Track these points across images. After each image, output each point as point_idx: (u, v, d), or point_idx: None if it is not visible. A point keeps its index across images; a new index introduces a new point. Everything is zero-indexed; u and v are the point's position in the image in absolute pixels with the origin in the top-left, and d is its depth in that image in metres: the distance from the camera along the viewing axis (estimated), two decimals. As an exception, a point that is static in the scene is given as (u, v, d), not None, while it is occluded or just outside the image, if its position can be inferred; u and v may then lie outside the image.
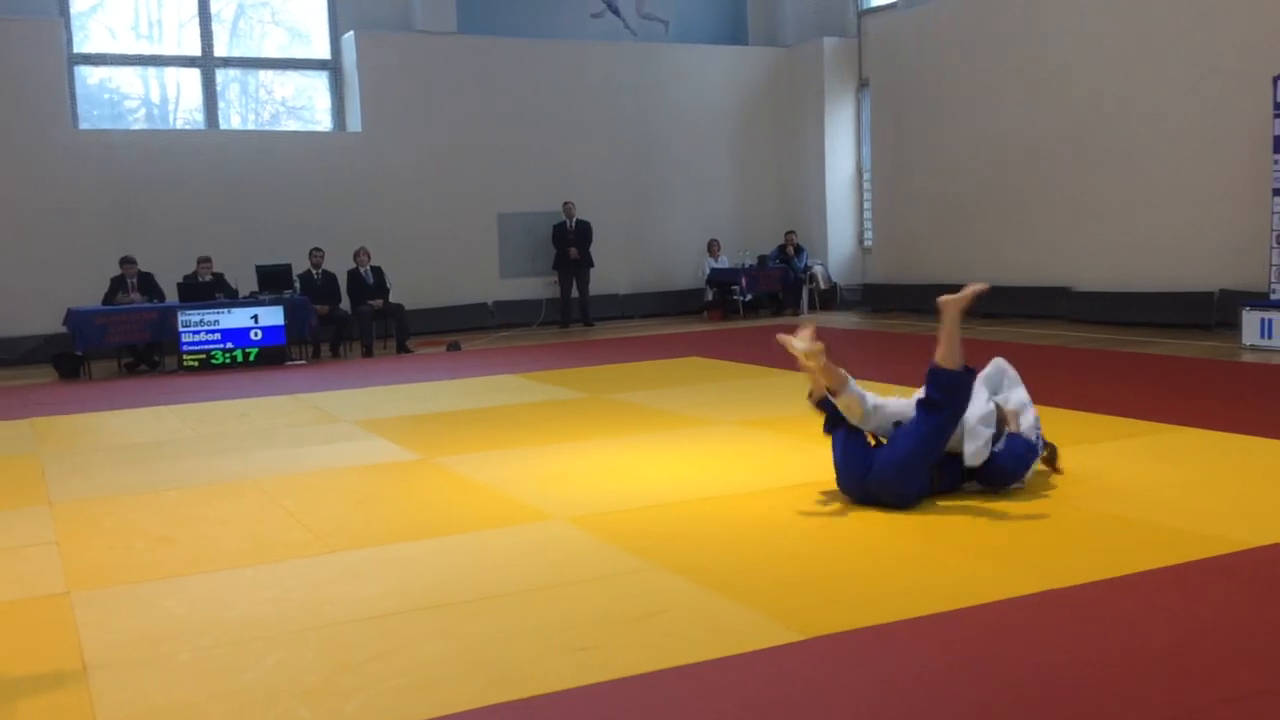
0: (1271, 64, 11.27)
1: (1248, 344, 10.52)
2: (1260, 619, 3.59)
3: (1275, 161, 11.11)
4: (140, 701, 3.29)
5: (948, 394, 5.02)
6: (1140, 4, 12.88)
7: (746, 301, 16.88)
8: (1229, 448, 6.19)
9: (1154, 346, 10.97)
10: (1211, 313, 12.08)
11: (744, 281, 16.68)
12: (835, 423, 5.32)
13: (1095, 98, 13.45)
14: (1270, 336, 10.37)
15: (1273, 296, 10.96)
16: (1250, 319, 10.60)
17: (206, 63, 15.46)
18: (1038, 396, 7.75)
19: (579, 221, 16.22)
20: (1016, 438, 5.26)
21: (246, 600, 4.18)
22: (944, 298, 5.12)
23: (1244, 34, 11.79)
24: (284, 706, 3.20)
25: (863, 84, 17.63)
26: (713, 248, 17.33)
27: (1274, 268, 11.13)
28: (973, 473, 5.19)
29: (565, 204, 16.24)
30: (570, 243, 16.15)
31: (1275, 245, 11.11)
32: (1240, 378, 9.11)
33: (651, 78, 17.28)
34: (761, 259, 17.35)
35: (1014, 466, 5.19)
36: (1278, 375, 9.15)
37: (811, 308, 17.10)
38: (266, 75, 16.33)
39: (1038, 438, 5.36)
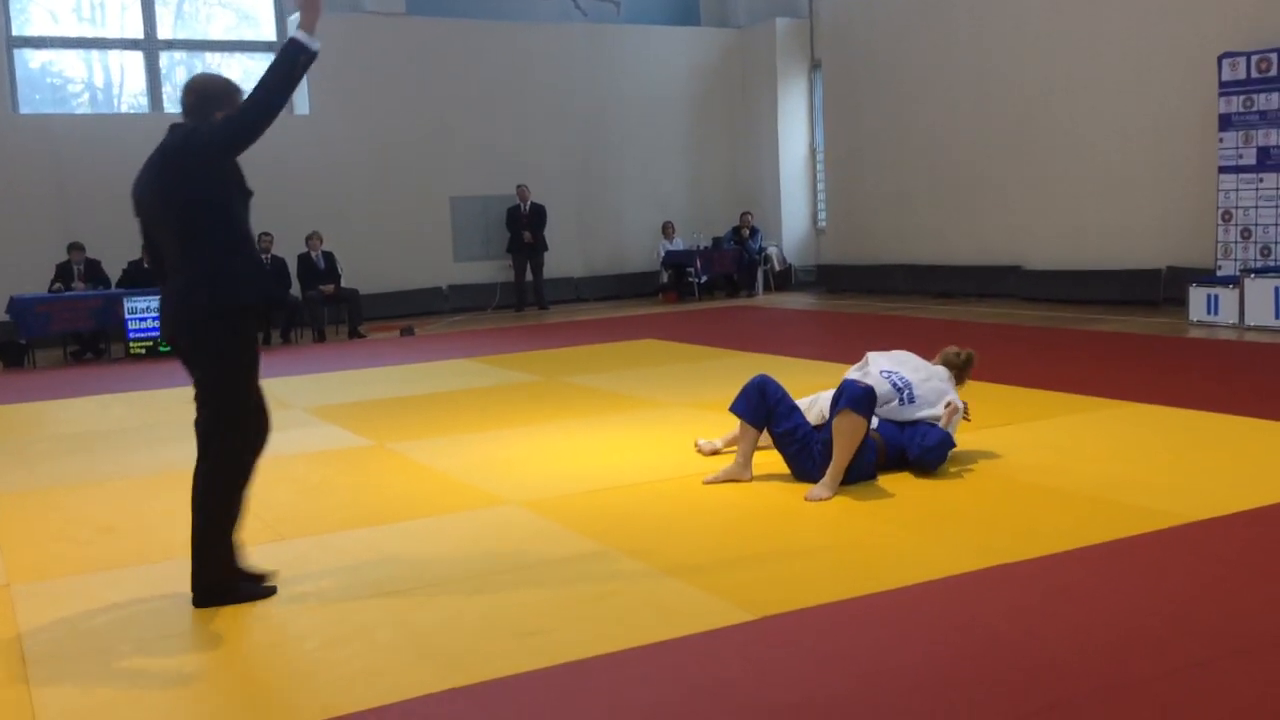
0: (1216, 43, 11.40)
1: (1195, 320, 10.67)
2: (1200, 591, 3.64)
3: (1221, 140, 11.25)
4: (80, 696, 3.23)
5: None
6: (1088, -16, 12.99)
7: (701, 283, 16.88)
8: (1174, 423, 6.27)
9: (1102, 323, 11.10)
10: (1159, 289, 12.24)
11: (699, 263, 16.68)
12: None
13: (1044, 77, 13.56)
14: (1216, 313, 10.52)
15: (1219, 273, 11.11)
16: (1197, 295, 10.75)
17: (149, 45, 15.18)
18: (988, 374, 7.84)
19: (533, 205, 16.14)
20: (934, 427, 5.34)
21: (189, 590, 4.11)
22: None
23: (1190, 14, 11.92)
24: (227, 697, 3.16)
25: (815, 65, 17.65)
26: (667, 230, 17.31)
27: (1220, 245, 11.29)
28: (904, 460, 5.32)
29: (519, 187, 16.14)
30: (524, 226, 16.06)
31: (1221, 223, 11.27)
32: (1186, 353, 9.24)
33: (604, 59, 17.19)
34: (716, 241, 17.36)
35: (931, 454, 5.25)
36: (1223, 351, 9.29)
37: (766, 289, 17.14)
38: (214, 58, 16.07)
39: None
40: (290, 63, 3.73)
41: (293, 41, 3.74)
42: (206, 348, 3.80)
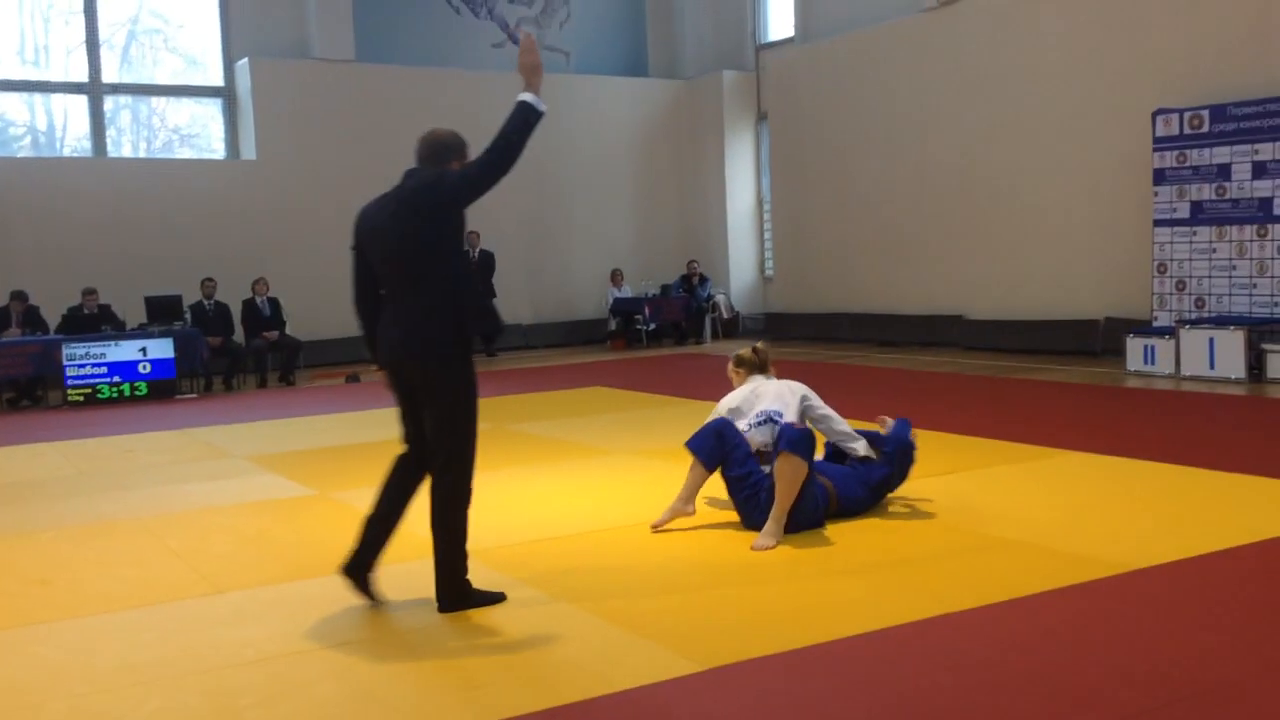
0: (1150, 99, 11.72)
1: (1132, 369, 10.86)
2: (1142, 640, 3.67)
3: (1155, 194, 11.53)
4: (5, 756, 3.12)
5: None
6: (1026, 40, 13.31)
7: (650, 331, 16.93)
8: (1112, 471, 6.35)
9: (1043, 373, 11.27)
10: (1098, 339, 12.46)
11: (647, 311, 16.73)
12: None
13: (983, 131, 13.84)
14: (1153, 363, 10.72)
15: (1155, 324, 11.34)
16: (1134, 345, 10.96)
17: (94, 89, 15.05)
18: (931, 422, 7.92)
19: (482, 252, 16.11)
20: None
21: (124, 645, 4.01)
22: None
23: (1124, 71, 12.25)
24: (160, 756, 3.07)
25: (761, 116, 17.89)
26: (616, 277, 17.36)
27: (1155, 296, 11.53)
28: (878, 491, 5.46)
29: (469, 233, 16.09)
30: (473, 272, 15.99)
31: (1156, 274, 11.52)
32: (1124, 402, 9.39)
33: (553, 108, 17.04)
34: (664, 288, 17.45)
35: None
36: (1159, 400, 9.46)
37: (714, 336, 17.22)
38: (160, 103, 15.95)
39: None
40: (523, 122, 4.03)
41: (522, 104, 4.05)
42: (443, 378, 4.13)
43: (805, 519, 5.13)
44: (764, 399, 5.49)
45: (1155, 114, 11.50)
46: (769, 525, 5.01)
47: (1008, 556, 4.70)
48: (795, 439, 5.03)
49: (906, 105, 14.88)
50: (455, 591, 4.26)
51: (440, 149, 4.29)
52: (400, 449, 4.40)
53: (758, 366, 5.78)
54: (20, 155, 14.86)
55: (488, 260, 16.12)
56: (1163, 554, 4.58)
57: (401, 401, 4.36)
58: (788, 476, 5.00)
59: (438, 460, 4.19)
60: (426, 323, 4.12)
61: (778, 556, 4.84)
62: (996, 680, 3.35)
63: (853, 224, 15.78)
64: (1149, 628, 3.78)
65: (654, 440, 7.97)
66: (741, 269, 18.20)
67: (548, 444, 8.08)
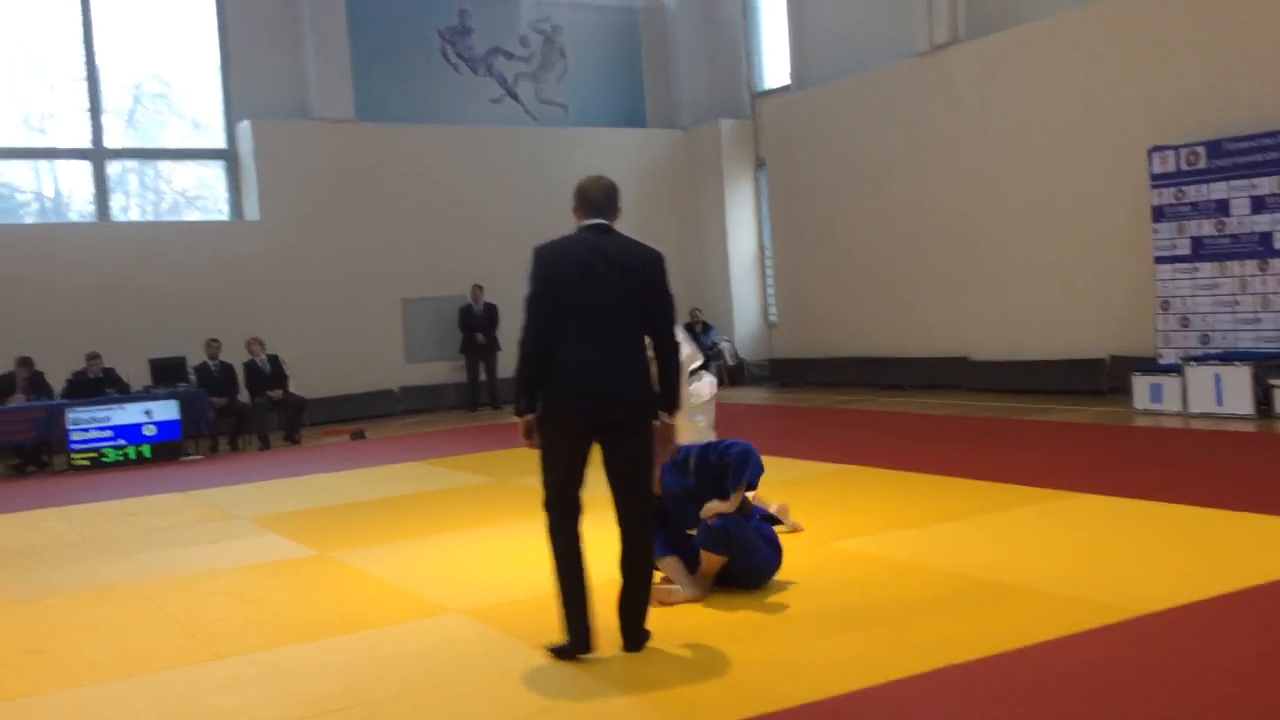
0: (1146, 137, 11.73)
1: (1139, 408, 10.77)
2: (1154, 686, 3.59)
3: (1155, 230, 11.51)
4: (-10, 835, 3.06)
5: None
6: (1021, 81, 13.37)
7: (655, 380, 16.85)
8: (1122, 513, 6.26)
9: (1049, 413, 11.19)
10: (1104, 378, 12.38)
11: (652, 360, 16.66)
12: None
13: (982, 172, 13.86)
14: (1160, 401, 10.63)
15: (1160, 361, 11.27)
16: (1140, 384, 10.87)
17: (97, 154, 15.18)
18: (936, 466, 7.84)
19: (486, 305, 16.15)
20: None
21: (116, 715, 3.95)
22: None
23: (1118, 109, 12.28)
24: (146, 833, 3.01)
25: (760, 163, 17.97)
26: (620, 327, 17.34)
27: (1160, 333, 11.47)
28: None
29: (474, 287, 16.15)
30: (477, 327, 16.04)
31: (1160, 311, 11.47)
32: (1132, 442, 9.30)
33: (552, 161, 17.37)
34: (668, 337, 17.41)
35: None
36: (1168, 439, 9.37)
37: (719, 384, 17.14)
38: (166, 166, 16.08)
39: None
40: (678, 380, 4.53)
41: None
42: (643, 435, 4.34)
43: (761, 567, 5.09)
44: None
45: (1151, 151, 11.51)
46: (690, 584, 4.98)
47: (1015, 603, 4.62)
48: (714, 531, 4.94)
49: (902, 149, 14.93)
50: (643, 627, 4.35)
51: (613, 196, 4.67)
52: (566, 510, 4.35)
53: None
54: (26, 222, 14.96)
55: (491, 313, 16.14)
56: (1173, 597, 4.49)
57: (575, 454, 4.31)
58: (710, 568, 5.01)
59: (635, 505, 4.34)
60: (641, 377, 4.34)
61: (772, 610, 4.74)
62: (1002, 733, 3.28)
63: (854, 268, 15.78)
64: (1160, 673, 3.70)
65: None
66: (745, 316, 18.19)
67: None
